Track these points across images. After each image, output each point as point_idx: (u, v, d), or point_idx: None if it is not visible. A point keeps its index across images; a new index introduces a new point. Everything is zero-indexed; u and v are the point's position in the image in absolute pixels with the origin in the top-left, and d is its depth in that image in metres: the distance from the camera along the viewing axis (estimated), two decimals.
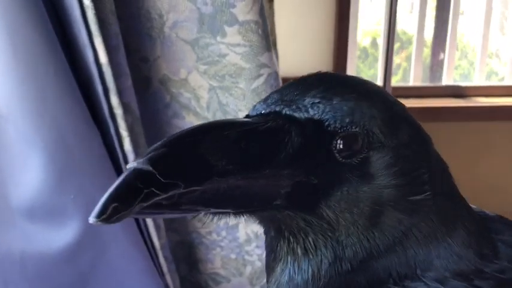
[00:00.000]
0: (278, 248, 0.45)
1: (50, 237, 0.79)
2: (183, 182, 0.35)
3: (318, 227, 0.42)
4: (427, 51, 2.42)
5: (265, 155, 0.39)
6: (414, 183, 0.43)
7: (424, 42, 2.39)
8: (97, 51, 0.73)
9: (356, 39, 2.21)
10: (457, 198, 0.46)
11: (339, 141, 0.41)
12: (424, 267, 0.42)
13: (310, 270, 0.43)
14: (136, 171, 0.34)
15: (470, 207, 0.48)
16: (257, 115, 0.43)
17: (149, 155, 0.35)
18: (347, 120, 0.41)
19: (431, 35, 2.37)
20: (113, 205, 0.32)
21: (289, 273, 0.44)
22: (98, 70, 0.74)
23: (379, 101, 0.44)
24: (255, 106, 0.45)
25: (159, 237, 0.90)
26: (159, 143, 0.37)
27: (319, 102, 0.42)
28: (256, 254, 1.03)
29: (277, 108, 0.42)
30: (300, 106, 0.42)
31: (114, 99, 0.77)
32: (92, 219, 0.32)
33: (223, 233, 1.01)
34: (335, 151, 0.41)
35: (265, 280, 1.08)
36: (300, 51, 2.07)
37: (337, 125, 0.41)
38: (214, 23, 0.80)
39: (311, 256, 0.43)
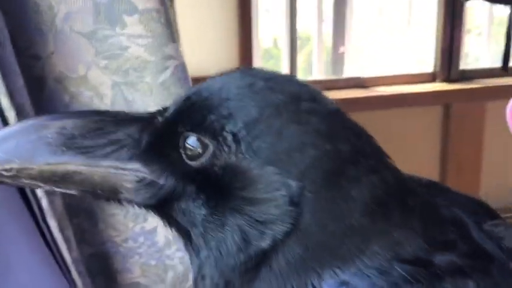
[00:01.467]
0: None
1: None
2: (18, 159, 0.39)
3: (176, 224, 0.43)
4: (325, 47, 2.50)
5: (109, 148, 0.41)
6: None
7: (323, 39, 2.48)
8: None
9: (259, 41, 2.24)
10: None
11: (186, 143, 0.42)
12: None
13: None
14: None
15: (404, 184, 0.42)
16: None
17: None
18: (196, 121, 0.42)
19: (331, 31, 2.45)
20: None
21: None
22: None
23: (242, 104, 0.43)
24: None
25: (70, 251, 0.82)
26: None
27: (178, 103, 0.44)
28: (178, 257, 0.98)
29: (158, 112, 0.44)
30: (168, 107, 0.44)
31: (5, 101, 0.69)
32: None
33: (141, 239, 0.95)
34: (183, 153, 0.42)
35: (188, 284, 1.03)
36: (205, 54, 2.05)
37: (187, 127, 0.42)
38: (112, 13, 0.74)
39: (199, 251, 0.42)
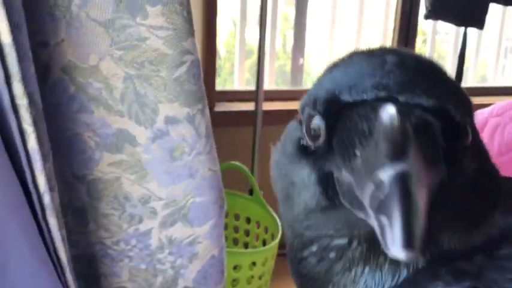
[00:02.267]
0: (348, 255, 0.41)
1: None
2: None
3: None
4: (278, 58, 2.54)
5: (434, 151, 0.35)
6: (491, 174, 0.43)
7: (275, 50, 2.52)
8: None
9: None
10: None
11: (461, 134, 0.38)
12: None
13: (392, 278, 0.40)
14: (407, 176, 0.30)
15: None
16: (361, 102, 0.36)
17: (408, 154, 0.30)
18: (462, 109, 0.38)
19: (291, 42, 2.48)
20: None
21: (365, 283, 0.40)
22: None
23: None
24: (328, 90, 0.39)
25: (65, 251, 0.77)
26: (391, 139, 0.31)
27: (433, 88, 0.37)
28: (169, 261, 0.95)
29: (383, 94, 0.36)
30: (418, 92, 0.36)
31: (18, 87, 0.64)
32: (401, 252, 0.27)
33: (133, 242, 0.91)
34: (458, 144, 0.38)
35: None
36: None
37: (458, 115, 0.37)
38: (135, 2, 0.71)
39: (397, 266, 0.39)
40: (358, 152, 0.34)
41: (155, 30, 0.73)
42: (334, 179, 0.39)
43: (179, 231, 0.92)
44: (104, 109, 0.77)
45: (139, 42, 0.74)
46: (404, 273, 0.39)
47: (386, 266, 0.39)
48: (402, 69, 0.37)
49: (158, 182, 0.86)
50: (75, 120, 0.78)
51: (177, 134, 0.81)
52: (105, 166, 0.82)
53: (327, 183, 0.40)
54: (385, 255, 0.38)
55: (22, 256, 0.69)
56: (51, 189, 0.74)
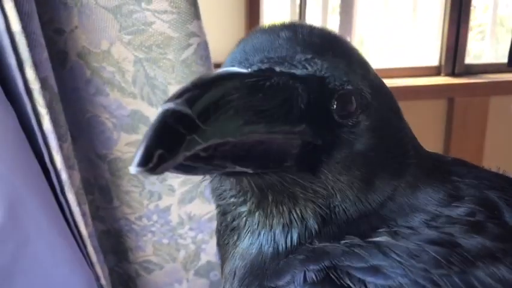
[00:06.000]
0: (248, 221, 0.42)
1: None
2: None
3: (312, 194, 0.40)
4: None
5: (282, 109, 0.36)
6: (399, 145, 0.43)
7: None
8: (8, 18, 0.65)
9: None
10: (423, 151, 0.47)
11: (337, 100, 0.39)
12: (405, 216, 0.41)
13: (284, 240, 0.41)
14: (176, 114, 0.30)
15: (430, 153, 0.48)
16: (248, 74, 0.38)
17: (183, 96, 0.31)
18: (344, 78, 0.40)
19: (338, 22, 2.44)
20: (159, 152, 0.29)
21: (260, 244, 0.42)
22: (10, 39, 0.66)
23: (361, 60, 0.43)
24: (228, 66, 0.40)
25: (86, 225, 0.83)
26: (189, 84, 0.32)
27: (313, 58, 0.39)
28: (190, 236, 0.99)
29: (265, 66, 0.38)
30: (295, 63, 0.39)
31: (30, 73, 0.69)
32: (134, 169, 0.29)
33: (155, 217, 0.96)
34: (334, 110, 0.39)
35: (199, 264, 1.04)
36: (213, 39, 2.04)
37: (336, 82, 0.39)
38: None
39: (293, 227, 0.41)
40: None
41: (160, 15, 0.76)
42: None
43: (197, 207, 0.96)
44: (118, 91, 0.81)
45: (146, 27, 0.77)
46: (295, 237, 0.40)
47: (279, 228, 0.41)
48: (290, 43, 0.40)
49: None
50: (93, 102, 0.83)
51: None
52: (123, 146, 0.87)
53: None
54: (278, 219, 0.41)
55: (41, 228, 0.74)
56: (69, 167, 0.79)
